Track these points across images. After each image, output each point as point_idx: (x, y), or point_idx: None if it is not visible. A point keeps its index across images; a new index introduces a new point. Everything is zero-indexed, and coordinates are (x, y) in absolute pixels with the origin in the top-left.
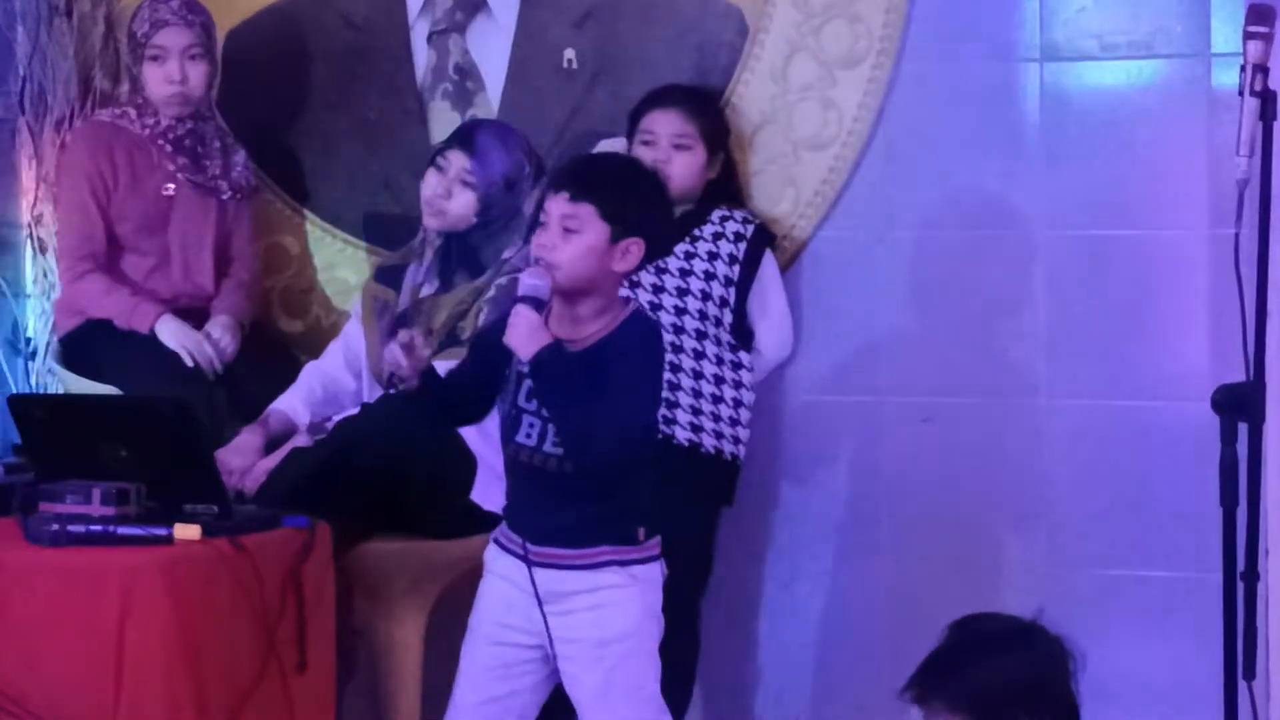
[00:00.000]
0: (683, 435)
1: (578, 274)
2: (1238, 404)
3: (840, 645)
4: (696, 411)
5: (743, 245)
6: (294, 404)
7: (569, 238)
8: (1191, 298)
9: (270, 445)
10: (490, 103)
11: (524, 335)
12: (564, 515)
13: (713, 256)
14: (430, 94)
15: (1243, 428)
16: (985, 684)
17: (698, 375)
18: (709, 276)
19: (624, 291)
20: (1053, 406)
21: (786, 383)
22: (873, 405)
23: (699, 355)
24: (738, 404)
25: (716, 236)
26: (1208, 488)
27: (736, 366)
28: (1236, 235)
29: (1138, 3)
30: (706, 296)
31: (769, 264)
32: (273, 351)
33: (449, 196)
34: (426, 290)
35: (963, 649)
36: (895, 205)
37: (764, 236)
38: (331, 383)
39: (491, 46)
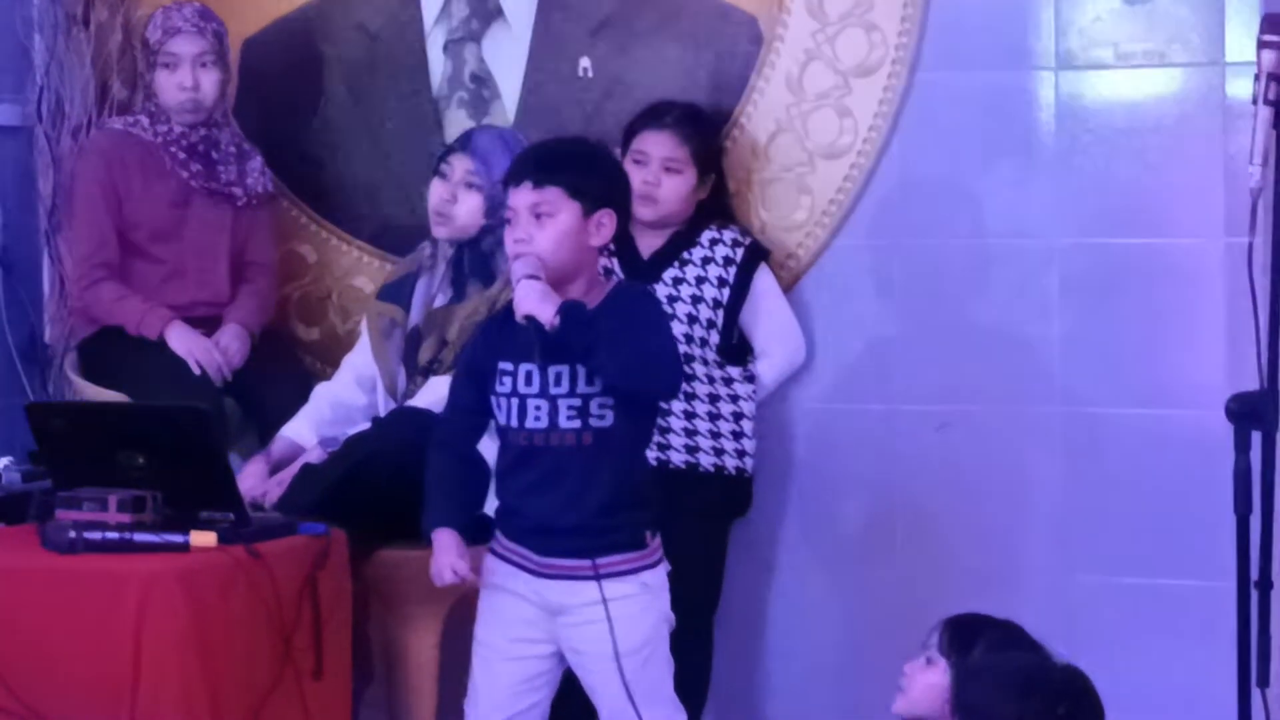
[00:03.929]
0: (679, 459)
1: (561, 258)
2: (1251, 412)
3: (853, 655)
4: (691, 433)
5: (732, 269)
6: (300, 429)
7: (543, 223)
8: (1206, 306)
9: (274, 472)
10: (506, 111)
11: (539, 298)
12: (577, 510)
13: (700, 280)
14: (446, 102)
15: (1256, 436)
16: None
17: (690, 397)
18: (696, 300)
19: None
20: (1067, 414)
21: (799, 391)
22: (887, 413)
23: (689, 378)
24: (738, 417)
25: (705, 261)
26: (1222, 495)
27: (729, 381)
28: (1250, 244)
29: (1152, 12)
30: (693, 320)
31: (762, 279)
32: (284, 360)
33: (455, 201)
34: (439, 301)
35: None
36: (910, 213)
37: (756, 255)
38: (340, 403)
39: (507, 55)
